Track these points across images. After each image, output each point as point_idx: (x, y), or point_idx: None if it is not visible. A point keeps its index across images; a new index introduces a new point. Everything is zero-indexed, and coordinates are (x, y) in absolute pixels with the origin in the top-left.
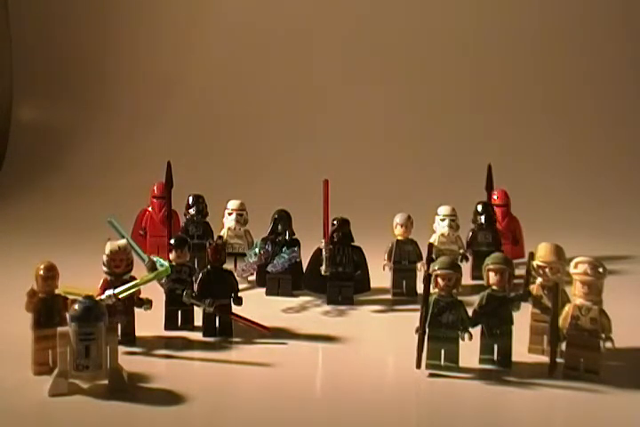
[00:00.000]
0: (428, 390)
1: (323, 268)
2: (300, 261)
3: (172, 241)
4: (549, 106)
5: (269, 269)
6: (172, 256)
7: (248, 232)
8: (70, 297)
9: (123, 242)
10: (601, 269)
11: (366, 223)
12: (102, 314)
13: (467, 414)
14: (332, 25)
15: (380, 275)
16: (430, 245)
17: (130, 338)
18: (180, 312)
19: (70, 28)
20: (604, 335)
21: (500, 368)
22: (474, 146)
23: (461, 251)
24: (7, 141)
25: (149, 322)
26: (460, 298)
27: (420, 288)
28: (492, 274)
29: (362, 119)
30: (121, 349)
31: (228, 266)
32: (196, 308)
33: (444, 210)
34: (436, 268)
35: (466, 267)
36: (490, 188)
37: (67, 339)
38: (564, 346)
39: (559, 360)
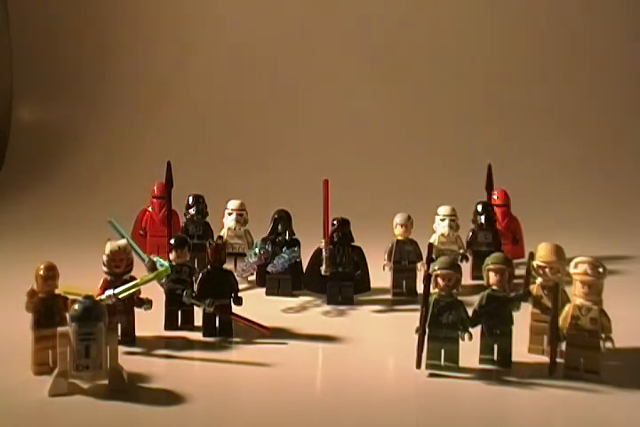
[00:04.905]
0: (427, 391)
1: (323, 268)
2: (300, 261)
3: (172, 241)
4: (550, 106)
5: (269, 269)
6: (172, 256)
7: (248, 232)
8: (70, 297)
9: (123, 242)
10: (601, 269)
11: (366, 223)
12: (102, 314)
13: (467, 414)
14: (332, 24)
15: (380, 275)
16: (430, 245)
17: (130, 338)
18: (180, 312)
19: (70, 29)
20: (603, 335)
21: (500, 368)
22: (474, 146)
23: (461, 251)
24: (7, 141)
25: (149, 322)
26: (460, 298)
27: (420, 288)
28: (492, 274)
29: (362, 119)
30: (121, 349)
31: (228, 266)
32: (195, 308)
33: (443, 210)
34: (436, 268)
35: (466, 267)
36: (490, 188)
37: (67, 339)
38: (564, 346)
39: (559, 360)
